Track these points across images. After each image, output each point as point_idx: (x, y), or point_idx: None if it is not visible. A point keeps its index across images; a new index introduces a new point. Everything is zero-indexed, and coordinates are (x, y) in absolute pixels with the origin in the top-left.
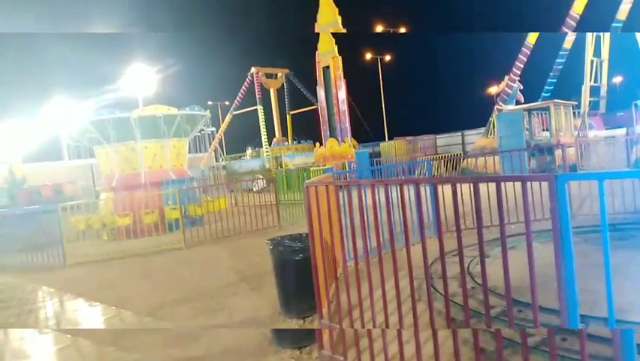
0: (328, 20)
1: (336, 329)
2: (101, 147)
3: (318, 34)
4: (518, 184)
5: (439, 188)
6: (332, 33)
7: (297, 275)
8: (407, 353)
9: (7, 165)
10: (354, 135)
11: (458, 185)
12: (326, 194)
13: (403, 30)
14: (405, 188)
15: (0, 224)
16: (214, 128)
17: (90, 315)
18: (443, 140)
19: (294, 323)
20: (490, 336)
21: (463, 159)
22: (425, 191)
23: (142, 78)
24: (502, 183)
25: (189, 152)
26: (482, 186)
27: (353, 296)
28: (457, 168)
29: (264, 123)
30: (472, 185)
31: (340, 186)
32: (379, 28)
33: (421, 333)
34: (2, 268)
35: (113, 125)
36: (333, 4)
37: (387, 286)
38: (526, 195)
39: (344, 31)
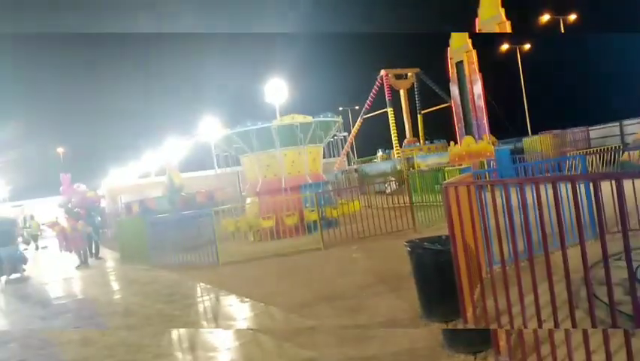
0: (491, 14)
1: (514, 333)
2: (245, 155)
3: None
4: None
5: (598, 185)
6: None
7: (437, 278)
8: None
9: (167, 174)
10: (492, 131)
11: (623, 181)
12: (467, 194)
13: (573, 17)
14: (556, 186)
15: (164, 227)
16: (346, 133)
17: (242, 310)
18: (597, 132)
19: (436, 327)
20: None
21: (623, 152)
22: (579, 189)
23: (278, 90)
24: None
25: (324, 157)
26: None
27: (501, 302)
28: (616, 162)
29: (394, 125)
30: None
31: (482, 186)
32: (546, 17)
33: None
34: (166, 265)
35: (255, 135)
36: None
37: (538, 291)
38: None
39: (508, 24)
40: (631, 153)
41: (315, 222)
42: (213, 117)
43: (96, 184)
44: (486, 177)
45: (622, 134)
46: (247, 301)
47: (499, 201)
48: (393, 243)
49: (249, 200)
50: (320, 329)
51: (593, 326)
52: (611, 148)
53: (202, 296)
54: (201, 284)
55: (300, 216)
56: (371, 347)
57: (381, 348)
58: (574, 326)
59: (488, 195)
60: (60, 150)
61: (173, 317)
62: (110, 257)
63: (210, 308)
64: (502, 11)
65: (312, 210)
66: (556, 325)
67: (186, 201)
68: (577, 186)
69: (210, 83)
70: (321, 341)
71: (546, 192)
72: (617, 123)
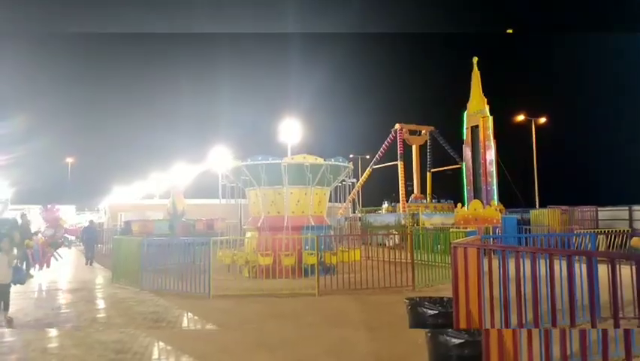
0: (478, 108)
1: None
2: (252, 189)
3: (466, 93)
4: None
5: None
6: (484, 94)
7: None
8: None
9: (171, 198)
10: (501, 199)
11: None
12: (475, 257)
13: (543, 120)
14: (572, 260)
15: (159, 251)
16: (355, 180)
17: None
18: (606, 213)
19: None
20: None
21: (632, 237)
22: (581, 268)
23: (292, 129)
24: None
25: (329, 201)
26: None
27: None
28: (626, 245)
29: (403, 179)
30: None
31: (491, 251)
32: (520, 117)
33: None
34: (157, 291)
35: (265, 170)
36: (482, 95)
37: None
38: None
39: (490, 119)
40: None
41: (312, 265)
42: (224, 148)
43: (99, 199)
44: (492, 243)
45: (631, 219)
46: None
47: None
48: (390, 299)
49: (248, 234)
50: None
51: None
52: (621, 231)
53: (187, 326)
54: (189, 314)
55: (299, 257)
56: None
57: None
58: None
59: (494, 262)
60: (69, 160)
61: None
62: (101, 274)
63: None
64: (487, 107)
65: (312, 254)
66: None
67: (186, 228)
68: (593, 262)
69: (226, 115)
70: None
71: (546, 265)
72: (627, 207)
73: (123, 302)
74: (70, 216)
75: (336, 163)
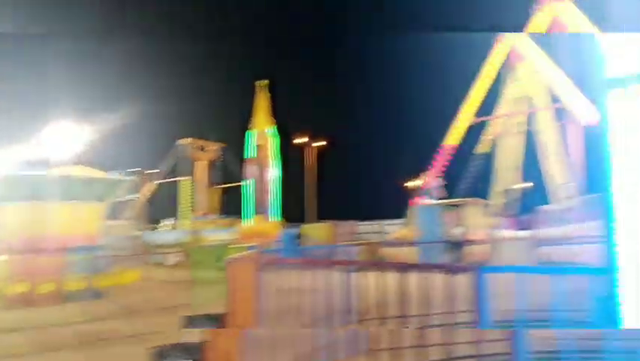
0: (262, 128)
1: None
2: (6, 205)
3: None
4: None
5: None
6: (269, 115)
7: None
8: None
9: None
10: (283, 214)
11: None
12: (252, 273)
13: (323, 143)
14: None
15: None
16: (137, 195)
17: None
18: (364, 227)
19: None
20: None
21: (380, 249)
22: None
23: (66, 136)
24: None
25: (107, 218)
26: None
27: None
28: (376, 256)
29: (188, 195)
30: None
31: (265, 264)
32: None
33: None
34: None
35: (23, 183)
36: (268, 116)
37: None
38: (452, 285)
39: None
40: (387, 249)
41: (80, 291)
42: None
43: None
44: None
45: (382, 232)
46: None
47: (279, 282)
48: (165, 320)
49: None
50: None
51: None
52: (373, 243)
53: None
54: None
55: (63, 282)
56: None
57: None
58: None
59: (272, 276)
60: None
61: None
62: None
63: None
64: (271, 128)
65: (78, 277)
66: None
67: None
68: (348, 272)
69: None
70: None
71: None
72: (379, 222)
73: None
74: None
75: (113, 177)
